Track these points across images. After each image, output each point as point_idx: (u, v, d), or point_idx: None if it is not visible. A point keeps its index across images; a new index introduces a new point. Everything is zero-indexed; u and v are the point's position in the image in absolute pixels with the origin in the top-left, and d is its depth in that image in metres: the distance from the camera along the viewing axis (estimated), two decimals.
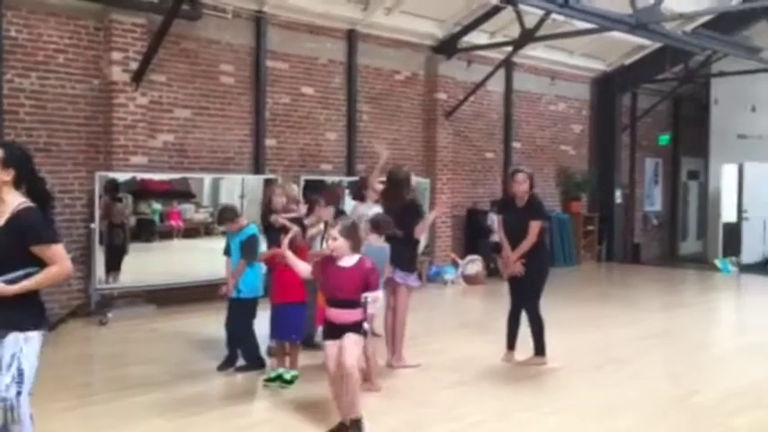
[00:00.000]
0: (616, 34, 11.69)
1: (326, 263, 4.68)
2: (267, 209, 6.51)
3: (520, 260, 6.39)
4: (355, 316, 4.54)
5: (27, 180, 3.54)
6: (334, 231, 4.58)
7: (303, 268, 4.80)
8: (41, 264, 3.48)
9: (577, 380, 6.20)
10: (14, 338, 3.43)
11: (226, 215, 6.26)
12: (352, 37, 11.05)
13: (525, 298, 6.51)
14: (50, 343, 6.86)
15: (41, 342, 3.57)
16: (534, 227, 6.38)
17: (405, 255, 6.26)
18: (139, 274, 8.66)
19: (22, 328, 3.46)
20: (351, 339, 4.53)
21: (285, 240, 4.93)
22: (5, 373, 3.40)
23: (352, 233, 4.59)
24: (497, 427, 4.93)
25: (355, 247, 4.60)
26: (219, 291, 6.27)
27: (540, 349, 6.56)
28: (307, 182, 10.17)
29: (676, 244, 18.02)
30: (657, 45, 13.65)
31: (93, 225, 8.18)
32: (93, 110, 8.52)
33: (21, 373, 3.41)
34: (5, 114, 7.86)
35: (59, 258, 3.49)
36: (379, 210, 6.53)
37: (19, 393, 3.40)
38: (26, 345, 3.44)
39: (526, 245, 6.36)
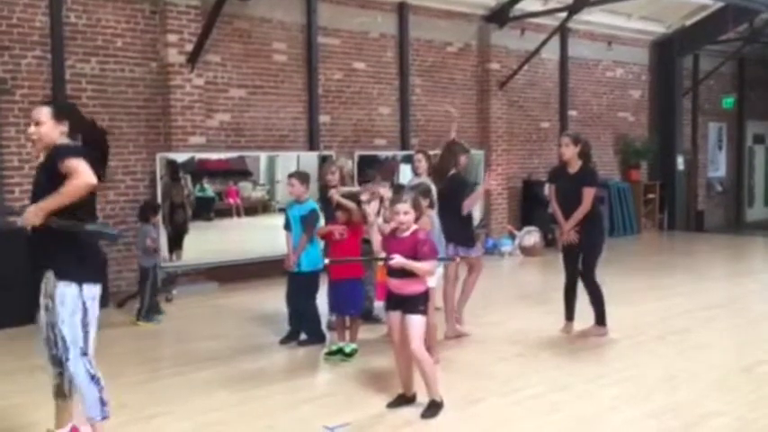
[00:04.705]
0: None
1: (388, 235, 4.73)
2: (324, 186, 6.60)
3: (574, 229, 6.32)
4: (414, 287, 4.53)
5: (80, 128, 3.74)
6: (405, 206, 4.52)
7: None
8: (88, 214, 3.60)
9: (638, 351, 6.13)
10: (58, 292, 3.52)
11: (297, 173, 6.42)
12: (402, 10, 10.98)
13: (582, 268, 6.44)
14: (120, 319, 7.18)
15: (92, 295, 3.59)
16: (588, 194, 6.27)
17: (462, 230, 6.31)
18: (201, 253, 8.88)
19: (63, 274, 3.54)
20: (413, 321, 4.50)
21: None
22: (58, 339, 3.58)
23: (416, 204, 4.62)
24: (557, 399, 4.92)
25: (417, 218, 4.61)
26: (283, 265, 6.38)
27: (600, 319, 6.49)
28: (361, 157, 10.23)
29: (742, 211, 17.47)
30: (720, 4, 13.14)
31: None
32: (151, 92, 8.72)
33: (63, 340, 3.56)
34: (69, 99, 8.10)
35: (77, 170, 3.45)
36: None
37: (67, 360, 3.56)
38: (62, 306, 3.54)
39: (580, 213, 6.27)
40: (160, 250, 7.61)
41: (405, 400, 4.74)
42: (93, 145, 3.72)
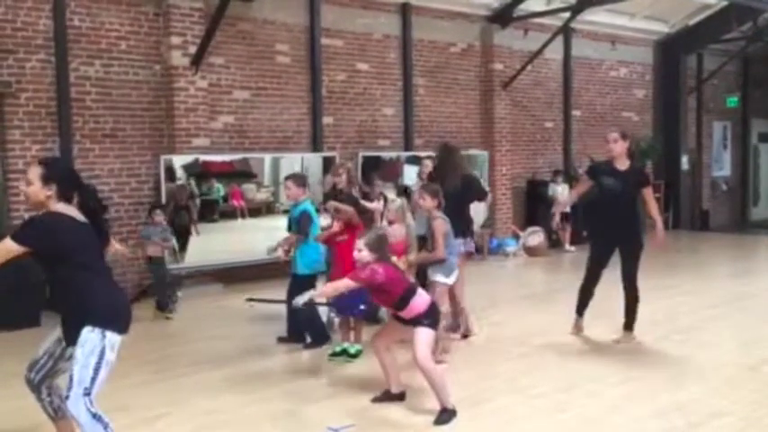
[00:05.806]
0: None
1: None
2: (331, 188, 6.63)
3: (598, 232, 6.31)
4: (415, 310, 4.53)
5: (74, 192, 3.69)
6: (360, 243, 4.56)
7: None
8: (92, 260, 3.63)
9: (644, 350, 6.12)
10: (81, 334, 3.53)
11: (293, 175, 6.45)
12: (405, 10, 10.98)
13: (625, 271, 6.26)
14: None
15: (112, 344, 3.56)
16: (651, 193, 6.33)
17: (467, 224, 6.39)
18: (206, 254, 8.89)
19: (90, 319, 3.54)
20: (419, 332, 4.51)
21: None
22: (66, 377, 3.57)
23: (376, 246, 4.54)
24: (562, 398, 4.92)
25: (381, 259, 4.51)
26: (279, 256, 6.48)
27: (632, 325, 6.35)
28: (365, 158, 10.22)
29: (747, 210, 17.43)
30: (723, 3, 13.11)
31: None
32: (155, 94, 8.74)
33: (71, 378, 3.51)
34: (73, 102, 8.13)
35: None
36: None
37: (67, 397, 3.52)
38: (81, 348, 3.52)
39: (659, 213, 6.31)
40: (165, 248, 7.79)
41: (389, 396, 4.80)
42: (86, 207, 3.71)
